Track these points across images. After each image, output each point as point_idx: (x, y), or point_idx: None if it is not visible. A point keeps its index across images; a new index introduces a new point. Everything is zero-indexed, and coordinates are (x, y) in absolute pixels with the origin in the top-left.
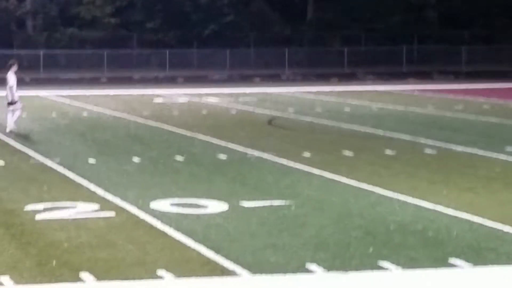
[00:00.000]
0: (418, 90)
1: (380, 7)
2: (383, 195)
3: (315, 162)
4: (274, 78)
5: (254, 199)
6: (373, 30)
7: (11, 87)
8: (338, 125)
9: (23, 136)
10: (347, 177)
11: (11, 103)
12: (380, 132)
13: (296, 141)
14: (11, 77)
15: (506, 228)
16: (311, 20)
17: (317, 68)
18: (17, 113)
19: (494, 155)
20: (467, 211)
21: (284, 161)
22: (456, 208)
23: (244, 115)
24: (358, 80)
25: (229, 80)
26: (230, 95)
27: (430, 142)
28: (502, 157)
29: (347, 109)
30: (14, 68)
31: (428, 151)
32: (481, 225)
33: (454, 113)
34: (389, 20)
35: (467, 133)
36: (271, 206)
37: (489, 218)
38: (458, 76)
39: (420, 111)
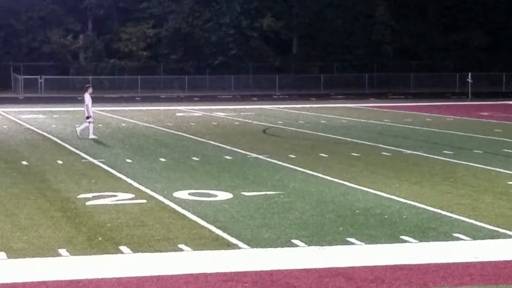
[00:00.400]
0: (377, 106)
1: (349, 43)
2: (351, 187)
3: (298, 161)
4: (267, 98)
5: (252, 190)
6: (343, 61)
7: (87, 105)
8: (316, 134)
9: (77, 141)
10: (323, 173)
11: (87, 117)
12: (348, 139)
13: (284, 146)
14: (87, 97)
15: (444, 212)
16: (296, 54)
17: (300, 90)
18: (91, 125)
19: (435, 156)
20: (414, 199)
21: (275, 161)
22: (406, 197)
23: (244, 125)
24: (331, 99)
25: (233, 99)
26: (234, 110)
27: (386, 146)
28: (441, 158)
29: (323, 121)
30: (90, 90)
31: (384, 153)
32: (425, 210)
33: (404, 124)
34: (356, 53)
35: (414, 140)
36: (266, 195)
37: (431, 205)
38: (407, 96)
39: (378, 123)
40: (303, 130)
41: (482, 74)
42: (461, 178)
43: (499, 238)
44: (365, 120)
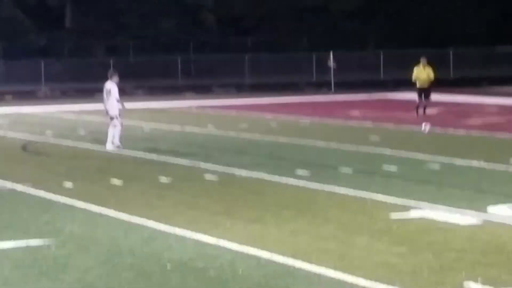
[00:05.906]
0: (196, 106)
1: (150, 11)
2: (158, 230)
3: (78, 193)
4: (28, 96)
5: (6, 239)
6: (142, 37)
7: (117, 100)
8: (104, 150)
9: None
10: (115, 209)
11: (113, 118)
12: (153, 156)
13: (55, 169)
14: (114, 88)
15: (298, 264)
16: (71, 28)
17: (80, 83)
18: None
19: (284, 179)
20: (254, 245)
21: (42, 193)
22: (241, 242)
23: None
24: (127, 95)
25: None
26: None
27: (210, 166)
28: (293, 181)
29: None
30: (116, 78)
31: (208, 177)
32: (270, 260)
33: (238, 132)
34: (160, 25)
35: (252, 155)
36: (27, 246)
37: (279, 252)
38: (241, 89)
39: (199, 131)
40: (85, 145)
41: (350, 54)
42: (323, 210)
43: None
44: (178, 128)
